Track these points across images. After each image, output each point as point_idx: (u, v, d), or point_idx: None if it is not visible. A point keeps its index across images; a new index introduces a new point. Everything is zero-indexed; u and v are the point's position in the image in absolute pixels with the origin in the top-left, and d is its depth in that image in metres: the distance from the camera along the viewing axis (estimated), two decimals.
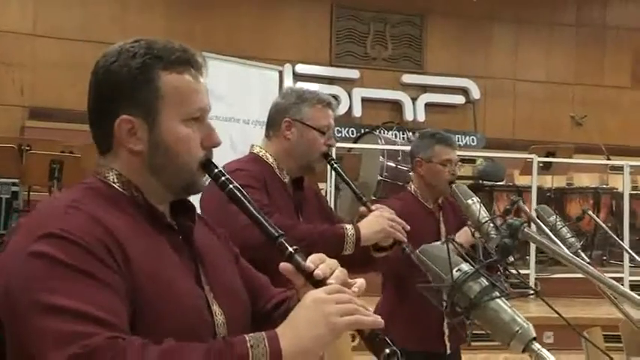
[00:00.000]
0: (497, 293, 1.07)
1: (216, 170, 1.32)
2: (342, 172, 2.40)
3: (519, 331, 1.06)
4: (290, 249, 1.24)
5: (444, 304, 1.10)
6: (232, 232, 2.09)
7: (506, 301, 1.09)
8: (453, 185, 2.15)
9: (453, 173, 3.00)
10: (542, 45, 11.30)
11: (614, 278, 1.44)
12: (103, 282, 1.12)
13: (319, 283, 1.21)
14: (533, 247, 6.84)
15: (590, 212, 2.33)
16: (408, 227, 2.24)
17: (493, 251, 1.03)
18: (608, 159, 8.79)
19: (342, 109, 10.55)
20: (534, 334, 1.07)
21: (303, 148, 2.32)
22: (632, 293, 1.01)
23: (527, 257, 6.91)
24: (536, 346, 1.06)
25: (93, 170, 1.31)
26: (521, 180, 8.42)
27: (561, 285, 6.36)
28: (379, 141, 7.93)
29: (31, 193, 7.36)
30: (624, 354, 3.23)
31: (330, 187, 6.71)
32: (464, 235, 2.70)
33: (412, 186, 3.16)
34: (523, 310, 5.41)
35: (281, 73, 6.69)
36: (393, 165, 7.59)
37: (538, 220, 1.99)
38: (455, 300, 1.09)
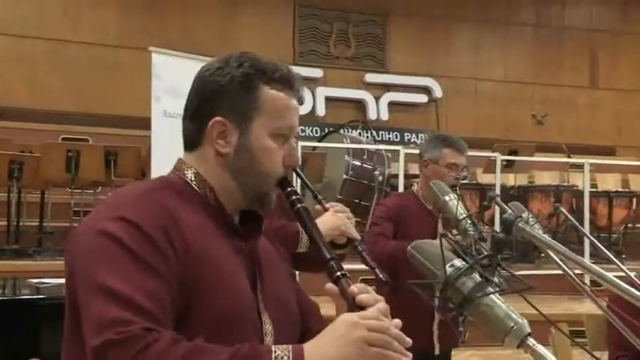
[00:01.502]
0: (491, 289, 1.05)
1: (289, 189, 1.38)
2: (297, 170, 2.39)
3: (514, 327, 1.05)
4: (338, 273, 1.27)
5: (436, 300, 1.08)
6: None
7: (500, 297, 1.07)
8: (431, 182, 2.15)
9: (457, 177, 3.03)
10: (501, 44, 11.44)
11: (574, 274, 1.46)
12: (158, 273, 1.16)
13: (360, 309, 1.22)
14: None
15: (563, 209, 2.34)
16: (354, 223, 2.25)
17: (473, 248, 1.03)
18: (569, 157, 8.94)
19: (305, 109, 10.53)
20: (529, 330, 1.06)
21: None
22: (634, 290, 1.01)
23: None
24: (532, 341, 1.05)
25: (173, 167, 1.38)
26: (484, 178, 8.50)
27: (526, 281, 6.44)
28: (344, 140, 7.93)
29: None
30: (588, 348, 3.28)
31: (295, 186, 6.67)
32: None
33: (416, 185, 3.19)
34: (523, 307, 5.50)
35: None
36: (359, 164, 7.60)
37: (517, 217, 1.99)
38: (448, 296, 1.07)
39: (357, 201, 7.35)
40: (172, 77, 5.44)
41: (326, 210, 2.30)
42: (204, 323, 1.19)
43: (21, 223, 6.76)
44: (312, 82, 10.66)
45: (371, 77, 10.97)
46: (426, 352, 2.94)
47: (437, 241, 1.10)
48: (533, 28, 11.64)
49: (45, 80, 8.88)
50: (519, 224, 1.14)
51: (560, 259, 1.26)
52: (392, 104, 10.94)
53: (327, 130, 8.94)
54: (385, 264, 2.23)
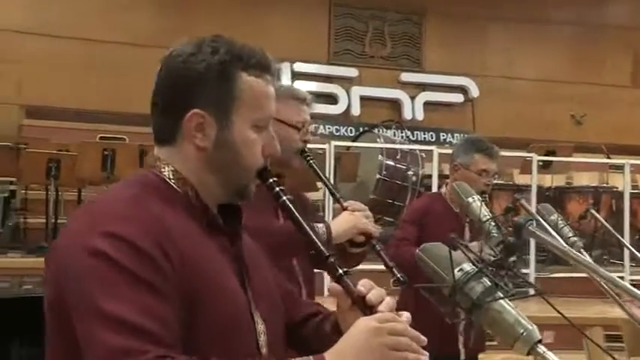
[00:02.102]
0: (501, 294, 1.03)
1: (270, 180, 1.33)
2: (317, 169, 2.38)
3: (524, 333, 1.03)
4: (340, 270, 1.23)
5: (445, 305, 1.06)
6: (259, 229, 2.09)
7: (510, 303, 1.05)
8: (454, 183, 2.11)
9: (488, 184, 3.00)
10: (539, 43, 11.25)
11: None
12: (160, 292, 1.11)
13: (369, 309, 1.20)
14: (533, 246, 6.80)
15: (594, 211, 2.28)
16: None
17: (495, 250, 1.00)
18: (608, 158, 8.76)
19: (340, 108, 10.53)
20: (539, 337, 1.03)
21: (279, 144, 2.31)
22: None
23: (527, 257, 6.88)
24: (542, 348, 1.02)
25: (148, 163, 1.30)
26: (520, 179, 8.38)
27: (560, 284, 6.34)
28: (378, 139, 7.89)
29: (28, 191, 7.33)
30: (625, 354, 3.20)
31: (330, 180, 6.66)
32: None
33: (445, 188, 3.18)
34: (522, 309, 5.42)
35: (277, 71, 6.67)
36: (392, 163, 7.55)
37: (540, 218, 1.95)
38: (457, 301, 1.05)
39: (390, 201, 7.31)
40: None
41: (344, 209, 2.29)
42: (205, 333, 1.16)
43: (59, 221, 6.89)
44: (346, 82, 10.65)
45: (406, 76, 10.89)
46: (452, 357, 2.90)
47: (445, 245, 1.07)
48: (571, 26, 11.43)
49: (81, 80, 9.03)
50: (530, 227, 1.10)
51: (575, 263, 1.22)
52: (427, 104, 10.86)
53: (361, 130, 8.91)
54: (407, 270, 2.21)
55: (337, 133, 9.98)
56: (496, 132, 10.63)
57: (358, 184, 7.50)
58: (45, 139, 7.34)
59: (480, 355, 3.12)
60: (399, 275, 2.11)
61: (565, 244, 1.97)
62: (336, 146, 7.00)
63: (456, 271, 1.06)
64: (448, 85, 10.98)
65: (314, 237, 1.29)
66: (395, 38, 11.05)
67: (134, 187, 1.25)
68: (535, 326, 1.04)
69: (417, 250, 1.14)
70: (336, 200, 2.37)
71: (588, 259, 2.52)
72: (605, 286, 1.29)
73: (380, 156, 7.52)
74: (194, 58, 1.25)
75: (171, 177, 1.26)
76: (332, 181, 6.72)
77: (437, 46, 11.02)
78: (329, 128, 10.08)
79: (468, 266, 1.07)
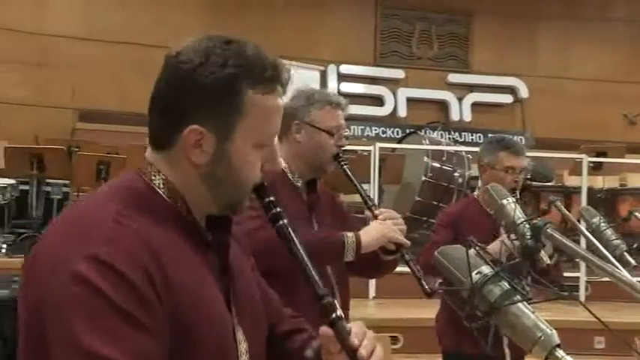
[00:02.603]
0: (519, 297, 1.02)
1: (267, 199, 1.26)
2: (350, 174, 2.38)
3: (542, 338, 1.02)
4: (334, 314, 1.16)
5: (464, 307, 1.05)
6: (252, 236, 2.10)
7: (528, 306, 1.04)
8: (488, 185, 2.09)
9: (517, 181, 2.96)
10: (590, 42, 11.01)
11: None
12: (146, 327, 1.06)
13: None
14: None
15: (637, 213, 2.23)
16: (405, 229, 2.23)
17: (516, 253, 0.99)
18: None
19: (386, 110, 10.51)
20: (558, 341, 1.01)
21: (313, 150, 2.33)
22: None
23: (578, 260, 6.74)
24: (560, 353, 1.00)
25: (138, 167, 1.23)
26: (570, 181, 8.22)
27: (613, 289, 6.18)
28: (424, 141, 7.84)
29: (80, 193, 7.52)
30: None
31: (373, 188, 6.66)
32: (494, 246, 2.67)
33: (477, 191, 3.17)
34: (572, 314, 5.27)
35: (322, 73, 6.67)
36: (438, 165, 7.50)
37: (575, 221, 1.92)
38: (475, 303, 1.05)
39: (435, 203, 7.25)
40: None
41: (375, 217, 2.29)
42: (193, 356, 1.13)
43: None
44: (393, 83, 10.62)
45: (454, 77, 10.81)
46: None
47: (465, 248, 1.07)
48: (624, 24, 11.14)
49: (131, 84, 9.22)
50: (548, 230, 1.09)
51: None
52: (475, 105, 10.74)
53: (407, 132, 8.87)
54: (439, 274, 2.21)
55: (383, 135, 9.96)
56: (546, 132, 10.47)
57: (403, 186, 7.47)
58: (96, 142, 7.52)
59: (527, 357, 3.08)
60: (426, 287, 2.11)
61: (604, 248, 1.93)
62: (381, 148, 6.98)
63: (474, 273, 1.06)
64: (497, 86, 10.84)
65: (311, 272, 1.20)
66: (442, 39, 10.97)
67: (120, 199, 1.17)
68: (554, 330, 1.03)
69: (436, 253, 1.13)
70: (368, 208, 2.36)
71: (631, 261, 2.47)
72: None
73: (425, 158, 7.47)
74: (202, 69, 1.18)
75: (161, 186, 1.20)
76: (377, 183, 6.71)
77: (485, 47, 10.90)
78: (375, 130, 10.07)
79: (486, 269, 1.07)
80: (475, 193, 3.21)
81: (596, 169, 7.77)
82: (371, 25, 10.72)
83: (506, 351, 2.89)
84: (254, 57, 1.21)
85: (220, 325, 1.19)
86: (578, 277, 6.41)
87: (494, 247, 2.77)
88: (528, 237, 1.85)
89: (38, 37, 9.38)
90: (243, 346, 1.22)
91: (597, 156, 7.88)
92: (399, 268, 2.44)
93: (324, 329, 1.17)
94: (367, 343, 1.16)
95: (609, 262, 1.83)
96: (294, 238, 1.24)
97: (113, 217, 1.12)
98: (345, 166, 2.37)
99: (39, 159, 6.57)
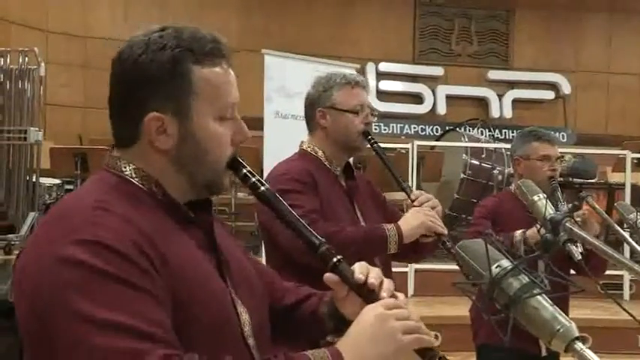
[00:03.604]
0: (538, 290, 1.03)
1: (244, 170, 1.26)
2: (381, 154, 2.39)
3: (560, 330, 1.02)
4: (334, 259, 1.19)
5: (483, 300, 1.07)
6: (278, 234, 2.12)
7: (547, 299, 1.04)
8: (519, 181, 2.09)
9: (554, 169, 2.95)
10: (637, 35, 10.77)
11: None
12: (146, 291, 1.06)
13: (370, 295, 1.19)
14: (626, 247, 6.54)
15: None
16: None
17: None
18: None
19: (426, 107, 10.46)
20: (577, 333, 1.02)
21: (341, 132, 2.34)
22: None
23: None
24: (579, 345, 1.01)
25: (104, 164, 1.24)
26: (614, 177, 8.07)
27: None
28: (462, 138, 7.79)
29: None
30: None
31: (412, 185, 6.64)
32: (532, 231, 2.67)
33: (513, 186, 3.12)
34: (613, 312, 5.16)
35: (358, 71, 6.64)
36: (477, 163, 7.43)
37: (608, 217, 1.90)
38: (494, 296, 1.06)
39: (474, 200, 7.18)
40: (284, 78, 5.58)
41: (412, 201, 2.30)
42: (192, 331, 1.12)
43: None
44: (432, 81, 10.57)
45: (494, 74, 10.70)
46: (533, 355, 2.85)
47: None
48: None
49: None
50: (567, 224, 1.09)
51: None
52: (516, 101, 10.62)
53: (446, 129, 8.82)
54: None
55: (422, 133, 9.93)
56: (590, 128, 10.30)
57: (442, 184, 7.43)
58: None
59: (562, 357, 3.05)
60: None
61: (636, 244, 1.91)
62: (419, 146, 6.95)
63: (493, 267, 1.07)
64: (538, 82, 10.70)
65: (302, 226, 1.22)
66: (482, 35, 10.87)
67: (97, 190, 1.17)
68: (573, 323, 1.03)
69: (456, 247, 1.15)
70: (403, 189, 2.37)
71: None
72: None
73: (464, 155, 7.41)
74: (143, 58, 1.18)
75: (133, 175, 1.21)
76: (415, 180, 6.69)
77: (525, 43, 10.76)
78: (414, 128, 10.04)
79: (506, 262, 1.08)
80: (511, 187, 3.18)
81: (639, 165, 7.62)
82: (410, 23, 10.68)
83: (542, 345, 2.86)
84: (191, 36, 1.22)
85: (219, 297, 1.20)
86: (622, 276, 6.30)
87: (532, 233, 2.77)
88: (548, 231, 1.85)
89: (83, 40, 9.61)
90: (244, 316, 1.23)
91: None
92: (437, 265, 2.45)
93: (328, 275, 1.19)
94: (373, 274, 1.19)
95: None
96: (274, 200, 1.24)
97: (92, 205, 1.12)
98: (375, 145, 2.38)
99: (82, 159, 6.72)
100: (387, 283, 1.21)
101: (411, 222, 2.24)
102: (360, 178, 2.48)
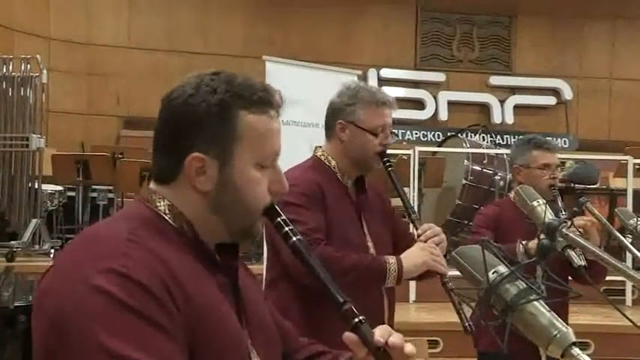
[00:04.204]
0: (535, 296, 1.03)
1: (279, 219, 1.26)
2: (394, 178, 2.35)
3: (557, 335, 1.02)
4: (356, 319, 1.17)
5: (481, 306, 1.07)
6: (282, 249, 2.11)
7: (544, 305, 1.05)
8: (518, 187, 2.09)
9: (554, 177, 2.95)
10: (636, 41, 10.78)
11: None
12: (166, 331, 1.08)
13: (388, 359, 1.17)
14: (628, 253, 6.52)
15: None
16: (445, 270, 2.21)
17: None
18: None
19: (427, 113, 10.47)
20: (574, 339, 1.02)
21: (357, 150, 2.30)
22: None
23: (623, 263, 6.60)
24: (576, 351, 1.01)
25: (140, 196, 1.25)
26: (616, 183, 8.06)
27: None
28: (464, 144, 7.80)
29: (124, 199, 7.68)
30: None
31: (413, 191, 6.65)
32: (534, 243, 2.67)
33: (512, 193, 3.09)
34: (615, 318, 5.14)
35: (360, 77, 6.67)
36: (479, 168, 7.44)
37: (608, 223, 1.90)
38: (491, 302, 1.06)
39: (476, 206, 7.19)
40: (285, 85, 5.56)
41: (417, 236, 2.25)
42: None
43: None
44: (434, 87, 10.59)
45: (496, 80, 10.72)
46: None
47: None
48: None
49: None
50: (563, 230, 1.10)
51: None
52: (518, 107, 10.64)
53: (448, 135, 8.84)
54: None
55: (424, 139, 9.94)
56: (592, 134, 10.31)
57: (444, 190, 7.43)
58: (141, 148, 7.67)
59: None
60: (466, 323, 2.08)
61: (636, 250, 1.91)
62: (421, 151, 6.96)
63: (490, 273, 1.08)
64: (540, 88, 10.72)
65: (328, 282, 1.21)
66: (483, 41, 10.89)
67: (129, 221, 1.19)
68: (570, 329, 1.03)
69: (453, 253, 1.15)
70: (411, 221, 2.31)
71: None
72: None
73: (466, 161, 7.42)
74: (193, 99, 1.20)
75: (167, 212, 1.22)
76: (417, 186, 6.69)
77: (527, 48, 10.78)
78: (416, 134, 10.05)
79: (503, 268, 1.08)
80: (511, 195, 3.17)
81: None
82: (411, 29, 10.70)
83: (542, 353, 2.86)
84: (243, 82, 1.24)
85: (237, 343, 1.20)
86: (624, 281, 6.28)
87: (534, 244, 2.76)
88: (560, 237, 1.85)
89: (87, 48, 9.65)
90: None
91: None
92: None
93: (348, 334, 1.18)
94: (394, 338, 1.17)
95: None
96: (308, 253, 1.25)
97: (126, 236, 1.14)
98: (390, 169, 2.34)
99: (85, 166, 6.73)
100: (408, 348, 1.19)
101: (414, 259, 2.20)
102: (373, 189, 2.43)
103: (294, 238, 1.25)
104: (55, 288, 1.11)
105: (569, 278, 2.63)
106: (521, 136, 3.88)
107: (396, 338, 1.17)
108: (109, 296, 1.06)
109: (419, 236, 2.27)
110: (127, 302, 1.06)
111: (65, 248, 1.22)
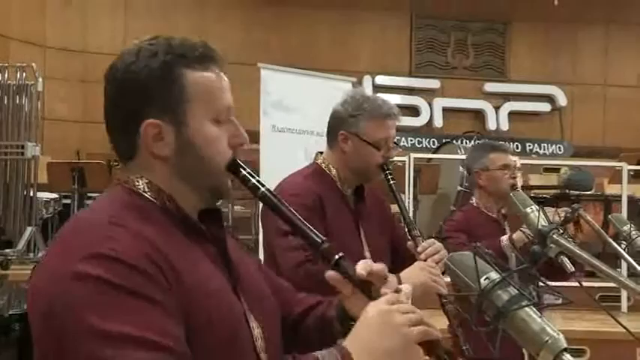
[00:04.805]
0: (526, 302, 1.04)
1: (243, 172, 1.24)
2: (395, 191, 2.31)
3: (549, 342, 1.03)
4: (336, 256, 1.19)
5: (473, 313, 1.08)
6: (278, 253, 2.11)
7: (536, 311, 1.06)
8: (510, 193, 2.10)
9: (514, 177, 2.97)
10: (634, 47, 10.82)
11: None
12: (160, 304, 1.06)
13: (373, 291, 1.19)
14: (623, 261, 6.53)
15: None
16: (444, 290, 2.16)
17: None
18: None
19: (422, 120, 10.49)
20: (565, 345, 1.03)
21: (359, 162, 2.29)
22: None
23: (618, 270, 6.63)
24: (567, 357, 1.02)
25: (116, 179, 1.23)
26: (610, 189, 8.09)
27: None
28: (459, 151, 7.82)
29: None
30: None
31: (409, 198, 6.65)
32: (518, 235, 2.71)
33: (474, 199, 3.15)
34: (612, 324, 5.19)
35: (355, 84, 6.69)
36: None
37: (601, 230, 1.91)
38: (483, 309, 1.07)
39: None
40: (280, 91, 5.59)
41: (417, 253, 2.19)
42: (205, 346, 1.12)
43: None
44: (429, 93, 10.61)
45: (490, 87, 10.75)
46: None
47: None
48: None
49: None
50: (554, 235, 1.11)
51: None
52: (512, 114, 10.66)
53: (442, 142, 8.86)
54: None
55: (419, 146, 9.96)
56: (587, 140, 10.34)
57: (439, 196, 7.44)
58: None
59: None
60: (464, 347, 2.05)
61: (629, 257, 1.92)
62: (416, 158, 6.97)
63: (482, 279, 1.08)
64: (534, 94, 10.74)
65: (303, 225, 1.22)
66: (478, 48, 10.92)
67: (110, 207, 1.18)
68: (562, 335, 1.04)
69: (445, 259, 1.16)
70: (412, 237, 2.25)
71: None
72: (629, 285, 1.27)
73: (461, 167, 7.43)
74: (134, 66, 1.19)
75: (146, 189, 1.20)
76: (412, 193, 6.69)
77: (522, 55, 10.82)
78: (411, 140, 10.07)
79: (495, 274, 1.09)
80: (473, 201, 3.15)
81: (636, 177, 7.63)
82: (406, 36, 10.73)
83: (525, 353, 2.84)
84: (182, 41, 1.23)
85: (232, 312, 1.20)
86: (619, 288, 6.29)
87: (518, 237, 2.81)
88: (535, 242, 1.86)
89: (82, 55, 9.65)
90: (257, 331, 1.23)
91: (638, 164, 7.74)
92: None
93: (330, 272, 1.20)
94: (377, 271, 1.19)
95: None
96: (279, 201, 1.24)
97: (108, 220, 1.13)
98: (391, 182, 2.31)
99: (80, 173, 6.73)
100: (390, 279, 1.22)
101: (413, 278, 2.13)
102: (372, 195, 2.41)
103: (263, 189, 1.24)
104: (42, 284, 1.10)
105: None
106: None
107: (377, 275, 1.19)
108: (97, 280, 1.04)
109: (419, 254, 2.21)
110: (113, 281, 1.04)
111: (50, 243, 1.21)
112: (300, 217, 1.24)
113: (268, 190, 1.24)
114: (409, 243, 2.24)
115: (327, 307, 1.37)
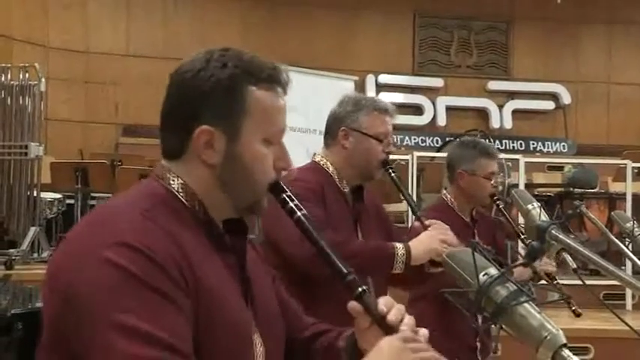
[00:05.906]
0: (525, 298, 1.03)
1: (284, 195, 1.28)
2: (398, 183, 2.36)
3: (548, 337, 1.02)
4: (360, 289, 1.20)
5: (470, 309, 1.07)
6: (283, 241, 2.11)
7: (535, 307, 1.05)
8: (513, 190, 2.09)
9: (495, 185, 2.91)
10: (637, 45, 10.79)
11: None
12: (176, 305, 1.09)
13: (390, 328, 1.19)
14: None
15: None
16: (457, 243, 2.18)
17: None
18: None
19: (426, 119, 10.48)
20: (564, 341, 1.02)
21: (361, 156, 2.31)
22: None
23: (623, 267, 6.61)
24: (566, 352, 1.01)
25: (154, 172, 1.26)
26: (615, 187, 8.06)
27: None
28: None
29: None
30: None
31: (412, 197, 6.64)
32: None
33: (448, 196, 3.01)
34: (616, 322, 5.17)
35: (356, 84, 6.71)
36: None
37: (604, 227, 1.90)
38: (481, 305, 1.06)
39: None
40: (291, 92, 5.56)
41: (425, 228, 2.24)
42: (210, 354, 1.15)
43: None
44: (432, 92, 10.59)
45: (494, 85, 10.73)
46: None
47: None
48: None
49: None
50: (552, 231, 1.10)
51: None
52: (516, 112, 10.64)
53: (446, 140, 8.84)
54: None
55: (423, 144, 9.95)
56: (590, 139, 10.32)
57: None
58: (140, 155, 7.68)
59: None
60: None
61: (631, 254, 1.91)
62: (419, 157, 6.97)
63: (481, 275, 1.08)
64: (538, 93, 10.72)
65: (332, 255, 1.23)
66: (481, 47, 10.91)
67: (143, 200, 1.20)
68: (560, 331, 1.03)
69: (444, 255, 1.15)
70: (417, 218, 2.31)
71: None
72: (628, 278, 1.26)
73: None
74: (203, 73, 1.22)
75: (179, 190, 1.23)
76: (415, 192, 6.69)
77: (525, 53, 10.79)
78: (414, 139, 10.06)
79: (493, 270, 1.08)
80: (447, 198, 3.01)
81: None
82: (409, 35, 10.72)
83: (479, 357, 2.77)
84: (251, 59, 1.26)
85: (241, 326, 1.21)
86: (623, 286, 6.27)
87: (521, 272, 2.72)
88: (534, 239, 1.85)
89: (85, 56, 9.66)
90: (259, 349, 1.25)
91: None
92: None
93: (353, 304, 1.20)
94: (395, 311, 1.19)
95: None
96: (313, 227, 1.26)
97: (140, 212, 1.16)
98: (393, 174, 2.35)
99: (83, 173, 6.73)
100: (409, 319, 1.21)
101: (422, 245, 2.19)
102: (371, 201, 2.44)
103: (299, 213, 1.27)
104: (66, 263, 1.12)
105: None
106: (459, 138, 3.79)
107: (396, 313, 1.20)
108: (121, 269, 1.07)
109: (426, 228, 2.26)
110: (139, 275, 1.07)
111: (78, 224, 1.23)
112: (329, 246, 1.25)
113: (304, 215, 1.27)
114: (416, 223, 2.30)
115: (337, 337, 1.37)
